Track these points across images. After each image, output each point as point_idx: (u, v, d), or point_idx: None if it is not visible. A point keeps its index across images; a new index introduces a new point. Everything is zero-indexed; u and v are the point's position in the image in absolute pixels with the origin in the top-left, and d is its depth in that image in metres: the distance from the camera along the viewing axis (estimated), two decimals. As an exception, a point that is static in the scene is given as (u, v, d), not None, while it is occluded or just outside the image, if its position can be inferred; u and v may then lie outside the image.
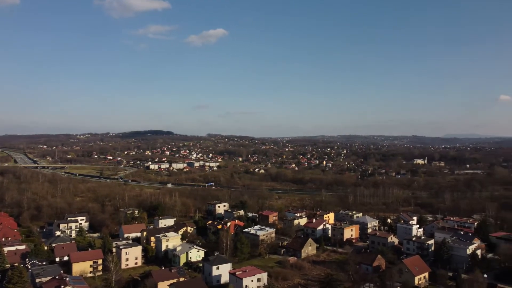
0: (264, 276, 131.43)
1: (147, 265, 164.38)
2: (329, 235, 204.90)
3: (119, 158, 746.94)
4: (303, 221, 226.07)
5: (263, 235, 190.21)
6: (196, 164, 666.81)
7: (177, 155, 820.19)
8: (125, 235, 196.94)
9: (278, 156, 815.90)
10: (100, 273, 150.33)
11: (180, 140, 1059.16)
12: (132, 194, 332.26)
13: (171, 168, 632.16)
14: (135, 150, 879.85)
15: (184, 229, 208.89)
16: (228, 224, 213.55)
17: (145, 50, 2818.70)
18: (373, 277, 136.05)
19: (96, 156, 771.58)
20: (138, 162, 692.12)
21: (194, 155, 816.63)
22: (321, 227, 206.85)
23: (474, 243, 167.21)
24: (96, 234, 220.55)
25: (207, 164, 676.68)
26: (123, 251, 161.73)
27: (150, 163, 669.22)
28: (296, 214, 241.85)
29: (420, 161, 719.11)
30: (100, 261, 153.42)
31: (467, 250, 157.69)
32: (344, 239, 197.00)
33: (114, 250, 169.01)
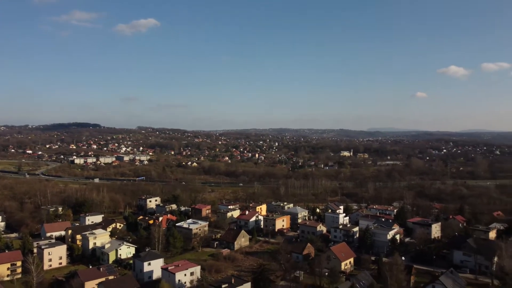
0: (197, 269, 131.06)
1: (73, 264, 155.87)
2: (262, 226, 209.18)
3: (40, 152, 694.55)
4: (236, 214, 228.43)
5: (196, 228, 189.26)
6: (126, 158, 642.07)
7: (105, 148, 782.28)
8: (48, 234, 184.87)
9: (211, 149, 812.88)
10: (20, 276, 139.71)
11: (108, 133, 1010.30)
12: (55, 191, 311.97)
13: (99, 162, 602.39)
14: (58, 143, 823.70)
15: (113, 225, 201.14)
16: (160, 219, 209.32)
17: (68, 37, 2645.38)
18: (303, 265, 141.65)
19: (13, 150, 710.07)
20: (62, 156, 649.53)
21: (124, 149, 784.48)
22: (253, 218, 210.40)
23: (394, 228, 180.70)
24: (14, 235, 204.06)
25: (137, 157, 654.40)
26: (46, 251, 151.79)
27: (75, 157, 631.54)
28: (229, 207, 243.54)
29: (346, 153, 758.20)
30: (19, 263, 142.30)
31: (388, 235, 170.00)
32: (276, 230, 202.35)
33: (35, 250, 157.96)
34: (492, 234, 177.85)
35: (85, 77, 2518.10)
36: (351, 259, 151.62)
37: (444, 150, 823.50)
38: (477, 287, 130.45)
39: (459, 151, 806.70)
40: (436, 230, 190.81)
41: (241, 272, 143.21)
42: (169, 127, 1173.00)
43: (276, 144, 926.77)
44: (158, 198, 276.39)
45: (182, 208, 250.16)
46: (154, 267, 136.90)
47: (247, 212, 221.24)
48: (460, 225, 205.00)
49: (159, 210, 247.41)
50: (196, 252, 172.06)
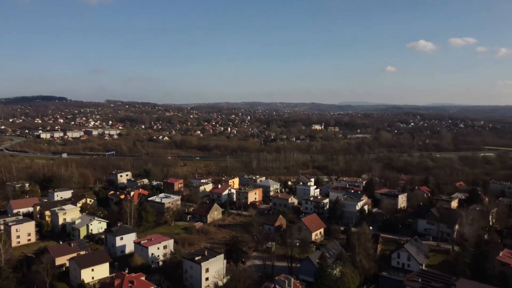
0: (170, 243, 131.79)
1: (42, 241, 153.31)
2: (234, 200, 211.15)
3: (3, 127, 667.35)
4: (208, 187, 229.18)
5: (169, 202, 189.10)
6: (95, 132, 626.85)
7: (72, 122, 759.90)
8: (15, 211, 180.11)
9: (183, 123, 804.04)
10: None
11: (75, 106, 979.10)
12: (21, 166, 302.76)
13: (66, 137, 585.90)
14: (22, 117, 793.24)
15: (83, 201, 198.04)
16: (132, 193, 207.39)
17: (29, 4, 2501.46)
18: (275, 236, 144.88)
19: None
20: (27, 131, 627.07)
21: (92, 123, 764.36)
22: (226, 192, 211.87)
23: (362, 200, 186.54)
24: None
25: (106, 132, 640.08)
26: (13, 228, 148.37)
27: (41, 131, 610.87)
28: (201, 181, 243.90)
29: (317, 127, 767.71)
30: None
31: (356, 206, 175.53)
32: (249, 203, 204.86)
33: (1, 227, 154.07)
34: (454, 204, 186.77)
35: (49, 48, 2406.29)
36: (322, 230, 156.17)
37: (412, 124, 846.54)
38: (439, 253, 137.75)
39: (425, 124, 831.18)
40: (402, 201, 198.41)
41: (214, 245, 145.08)
42: (139, 101, 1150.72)
43: (249, 117, 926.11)
44: (129, 173, 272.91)
45: (154, 183, 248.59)
46: (127, 241, 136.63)
47: (219, 186, 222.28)
48: (425, 195, 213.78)
49: (131, 185, 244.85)
50: (169, 226, 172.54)
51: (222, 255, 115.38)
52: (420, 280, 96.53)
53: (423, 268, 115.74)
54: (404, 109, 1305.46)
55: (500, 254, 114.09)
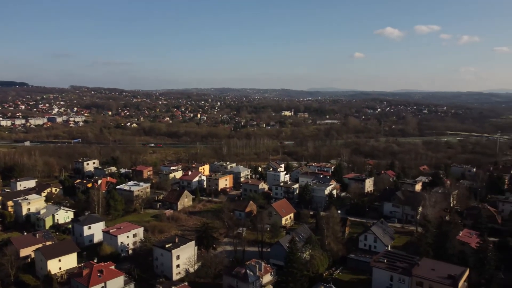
0: (140, 231, 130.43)
1: (5, 232, 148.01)
2: (205, 186, 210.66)
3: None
4: (178, 174, 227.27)
5: (138, 190, 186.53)
6: (59, 119, 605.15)
7: (35, 109, 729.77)
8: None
9: (151, 109, 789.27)
10: None
11: (37, 92, 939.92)
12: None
13: (28, 124, 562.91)
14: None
15: (48, 190, 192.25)
16: (99, 181, 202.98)
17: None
18: (245, 222, 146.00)
19: None
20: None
21: (56, 109, 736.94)
22: (196, 179, 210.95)
23: (331, 184, 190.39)
24: None
25: (71, 119, 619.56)
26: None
27: (1, 118, 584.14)
28: (171, 168, 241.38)
29: (287, 113, 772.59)
30: None
31: (325, 191, 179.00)
32: (219, 189, 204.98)
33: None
34: (418, 187, 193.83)
35: (7, 30, 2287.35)
36: (291, 214, 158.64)
37: (379, 109, 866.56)
38: (404, 234, 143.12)
39: (392, 110, 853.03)
40: (369, 185, 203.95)
41: (185, 232, 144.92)
42: (105, 86, 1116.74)
43: (219, 104, 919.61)
44: (96, 161, 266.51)
45: (123, 170, 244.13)
46: (95, 230, 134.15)
47: (189, 173, 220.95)
48: (391, 179, 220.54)
49: (98, 173, 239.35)
50: (139, 214, 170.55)
51: (193, 242, 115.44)
52: (385, 260, 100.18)
53: (389, 249, 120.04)
54: (371, 95, 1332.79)
55: (460, 234, 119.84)
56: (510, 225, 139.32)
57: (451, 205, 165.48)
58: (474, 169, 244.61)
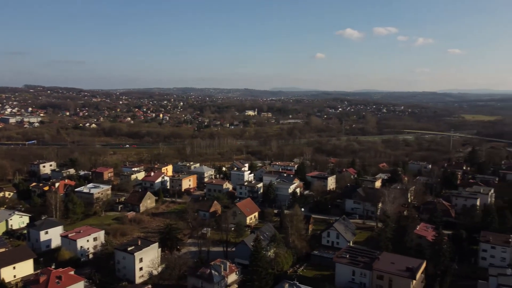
0: (101, 234, 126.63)
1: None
2: (168, 187, 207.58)
3: None
4: (141, 175, 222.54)
5: (98, 192, 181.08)
6: (12, 120, 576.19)
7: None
8: None
9: (112, 109, 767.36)
10: None
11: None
12: None
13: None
14: None
15: (1, 194, 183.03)
16: (57, 184, 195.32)
17: None
18: (210, 222, 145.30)
19: None
20: None
21: (9, 110, 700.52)
22: (159, 179, 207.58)
23: (295, 183, 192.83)
24: None
25: (26, 119, 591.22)
26: None
27: None
28: (133, 169, 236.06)
29: (251, 113, 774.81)
30: None
31: (289, 189, 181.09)
32: (183, 190, 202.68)
33: None
34: (378, 183, 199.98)
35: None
36: (256, 213, 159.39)
37: (340, 109, 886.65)
38: (365, 230, 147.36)
39: (352, 110, 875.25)
40: (331, 182, 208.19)
41: (148, 234, 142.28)
42: (62, 86, 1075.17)
43: (181, 103, 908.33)
44: (53, 163, 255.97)
45: (82, 172, 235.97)
46: (52, 235, 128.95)
47: (152, 174, 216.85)
48: (352, 176, 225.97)
49: (55, 175, 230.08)
50: (99, 217, 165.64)
51: (156, 244, 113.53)
52: (347, 256, 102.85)
53: (351, 244, 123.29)
54: (333, 95, 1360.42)
55: (417, 228, 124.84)
56: (463, 218, 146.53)
57: (409, 200, 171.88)
58: (430, 166, 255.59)
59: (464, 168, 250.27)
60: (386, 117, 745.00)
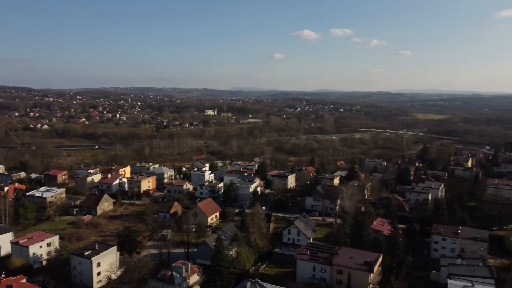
0: (55, 239, 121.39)
1: None
2: (126, 189, 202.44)
3: None
4: (97, 178, 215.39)
5: (52, 196, 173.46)
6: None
7: None
8: None
9: (65, 109, 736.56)
10: None
11: None
12: None
13: None
14: None
15: None
16: (6, 189, 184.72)
17: None
18: (170, 223, 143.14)
19: None
20: None
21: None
22: (117, 181, 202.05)
23: (255, 182, 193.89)
24: None
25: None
26: None
27: None
28: (89, 171, 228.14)
29: (211, 112, 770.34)
30: None
31: (250, 188, 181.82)
32: (142, 191, 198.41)
33: None
34: (336, 181, 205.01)
35: None
36: (217, 213, 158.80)
37: (299, 108, 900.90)
38: (324, 226, 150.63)
39: (310, 109, 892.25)
40: (291, 181, 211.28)
41: (106, 237, 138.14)
42: (10, 85, 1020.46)
43: (139, 103, 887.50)
44: (1, 166, 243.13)
45: (33, 176, 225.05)
46: (2, 242, 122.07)
47: (109, 175, 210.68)
48: (311, 174, 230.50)
49: (4, 179, 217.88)
50: (53, 221, 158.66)
51: (114, 248, 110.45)
52: (308, 252, 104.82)
53: (311, 241, 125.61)
54: (291, 95, 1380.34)
55: (374, 223, 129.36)
56: (416, 212, 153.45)
57: (366, 196, 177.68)
58: (385, 163, 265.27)
59: (417, 164, 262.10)
60: (343, 116, 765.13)
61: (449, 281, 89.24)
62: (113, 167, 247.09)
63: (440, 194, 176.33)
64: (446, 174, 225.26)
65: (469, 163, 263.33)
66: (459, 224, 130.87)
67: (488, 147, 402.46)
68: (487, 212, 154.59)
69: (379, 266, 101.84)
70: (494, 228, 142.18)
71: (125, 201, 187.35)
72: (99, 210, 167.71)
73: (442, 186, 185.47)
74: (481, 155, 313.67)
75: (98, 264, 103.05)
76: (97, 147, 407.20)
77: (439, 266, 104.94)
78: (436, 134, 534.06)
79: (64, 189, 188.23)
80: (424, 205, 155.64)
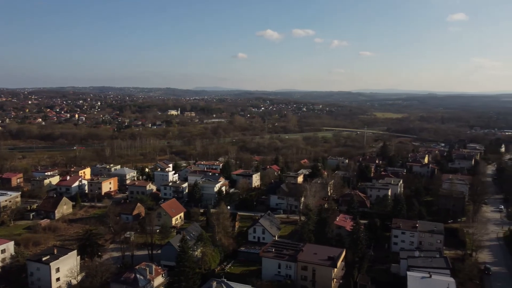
0: (9, 245, 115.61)
1: None
2: (87, 191, 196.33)
3: None
4: (55, 180, 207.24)
5: (5, 200, 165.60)
6: None
7: None
8: None
9: (19, 109, 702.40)
10: None
11: None
12: None
13: None
14: None
15: None
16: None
17: None
18: (133, 225, 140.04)
19: None
20: None
21: None
22: (76, 183, 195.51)
23: (220, 181, 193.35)
24: None
25: None
26: None
27: None
28: (46, 173, 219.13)
29: (174, 112, 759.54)
30: None
31: (215, 188, 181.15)
32: (103, 193, 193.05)
33: None
34: (300, 179, 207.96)
35: None
36: (182, 214, 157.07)
37: (262, 108, 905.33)
38: (289, 224, 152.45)
39: (274, 109, 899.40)
40: (256, 180, 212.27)
41: (65, 242, 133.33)
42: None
43: (99, 103, 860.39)
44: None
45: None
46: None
47: (68, 178, 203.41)
48: (276, 173, 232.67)
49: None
50: (8, 227, 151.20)
51: (74, 252, 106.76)
52: (273, 250, 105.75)
53: (276, 239, 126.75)
54: (255, 95, 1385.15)
55: (337, 219, 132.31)
56: (377, 208, 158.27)
57: (329, 193, 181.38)
58: (347, 161, 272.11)
59: (377, 161, 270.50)
60: (306, 115, 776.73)
61: (408, 273, 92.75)
62: (72, 169, 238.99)
63: (399, 189, 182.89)
64: (405, 171, 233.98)
65: (426, 160, 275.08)
66: (417, 218, 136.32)
67: (443, 144, 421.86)
68: (443, 206, 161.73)
69: (342, 261, 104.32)
70: (449, 221, 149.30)
71: (86, 203, 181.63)
72: (58, 213, 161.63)
73: (401, 182, 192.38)
74: (436, 152, 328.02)
75: (57, 270, 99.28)
76: (75, 148, 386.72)
77: (399, 259, 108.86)
78: (394, 132, 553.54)
79: (19, 193, 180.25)
80: (384, 201, 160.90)
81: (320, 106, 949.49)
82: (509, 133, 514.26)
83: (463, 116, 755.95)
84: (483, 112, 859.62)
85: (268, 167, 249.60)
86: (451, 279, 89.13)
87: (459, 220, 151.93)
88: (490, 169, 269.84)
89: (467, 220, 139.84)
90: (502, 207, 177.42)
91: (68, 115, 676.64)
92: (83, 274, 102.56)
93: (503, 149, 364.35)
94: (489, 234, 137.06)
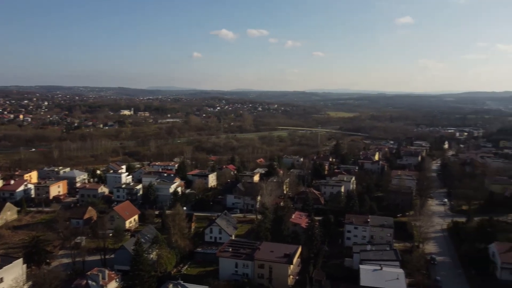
0: None
1: None
2: (33, 196, 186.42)
3: None
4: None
5: None
6: None
7: None
8: None
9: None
10: None
11: None
12: None
13: None
14: None
15: None
16: None
17: None
18: (84, 230, 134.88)
19: None
20: None
21: None
22: (21, 188, 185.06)
23: (175, 182, 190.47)
24: None
25: None
26: None
27: None
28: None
29: (127, 112, 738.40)
30: None
31: (170, 189, 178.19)
32: (51, 197, 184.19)
33: None
34: (256, 178, 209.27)
35: None
36: (136, 216, 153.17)
37: (218, 108, 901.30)
38: (246, 223, 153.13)
39: (230, 108, 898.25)
40: (212, 180, 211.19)
41: (10, 249, 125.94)
42: None
43: (46, 103, 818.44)
44: None
45: None
46: None
47: (12, 182, 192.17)
48: (232, 173, 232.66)
49: None
50: None
51: (20, 260, 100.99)
52: (230, 249, 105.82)
53: (233, 238, 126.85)
54: (211, 94, 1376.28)
55: (293, 217, 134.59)
56: (331, 204, 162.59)
57: (285, 192, 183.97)
58: (301, 159, 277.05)
59: (330, 159, 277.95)
60: (261, 115, 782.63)
61: (361, 266, 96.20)
62: (17, 173, 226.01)
63: (351, 186, 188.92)
64: (357, 168, 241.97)
65: (376, 157, 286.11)
66: (368, 213, 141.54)
67: (392, 142, 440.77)
68: (392, 201, 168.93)
69: (298, 257, 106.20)
70: (398, 215, 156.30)
71: (32, 209, 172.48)
72: (1, 220, 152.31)
73: (353, 179, 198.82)
74: (386, 149, 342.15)
75: (1, 280, 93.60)
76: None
77: (352, 253, 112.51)
78: (347, 131, 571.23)
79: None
80: (337, 197, 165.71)
81: (275, 106, 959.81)
82: (452, 131, 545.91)
83: (410, 115, 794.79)
84: (428, 111, 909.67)
85: (224, 166, 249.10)
86: (401, 271, 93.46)
87: (407, 214, 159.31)
88: (435, 164, 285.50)
89: (415, 214, 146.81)
90: (446, 200, 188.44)
91: (12, 115, 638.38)
92: (30, 283, 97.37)
93: (446, 146, 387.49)
94: (434, 226, 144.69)
